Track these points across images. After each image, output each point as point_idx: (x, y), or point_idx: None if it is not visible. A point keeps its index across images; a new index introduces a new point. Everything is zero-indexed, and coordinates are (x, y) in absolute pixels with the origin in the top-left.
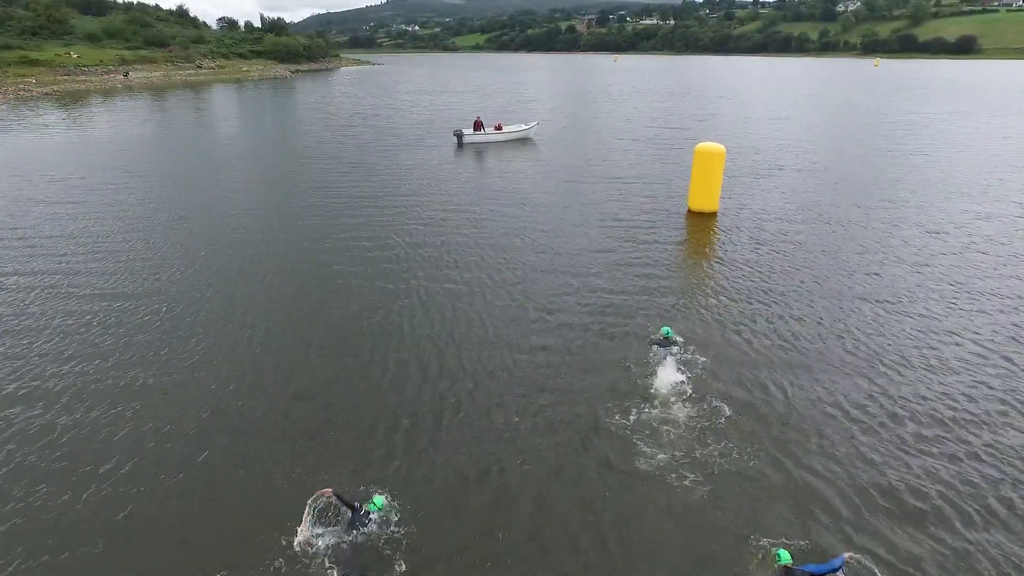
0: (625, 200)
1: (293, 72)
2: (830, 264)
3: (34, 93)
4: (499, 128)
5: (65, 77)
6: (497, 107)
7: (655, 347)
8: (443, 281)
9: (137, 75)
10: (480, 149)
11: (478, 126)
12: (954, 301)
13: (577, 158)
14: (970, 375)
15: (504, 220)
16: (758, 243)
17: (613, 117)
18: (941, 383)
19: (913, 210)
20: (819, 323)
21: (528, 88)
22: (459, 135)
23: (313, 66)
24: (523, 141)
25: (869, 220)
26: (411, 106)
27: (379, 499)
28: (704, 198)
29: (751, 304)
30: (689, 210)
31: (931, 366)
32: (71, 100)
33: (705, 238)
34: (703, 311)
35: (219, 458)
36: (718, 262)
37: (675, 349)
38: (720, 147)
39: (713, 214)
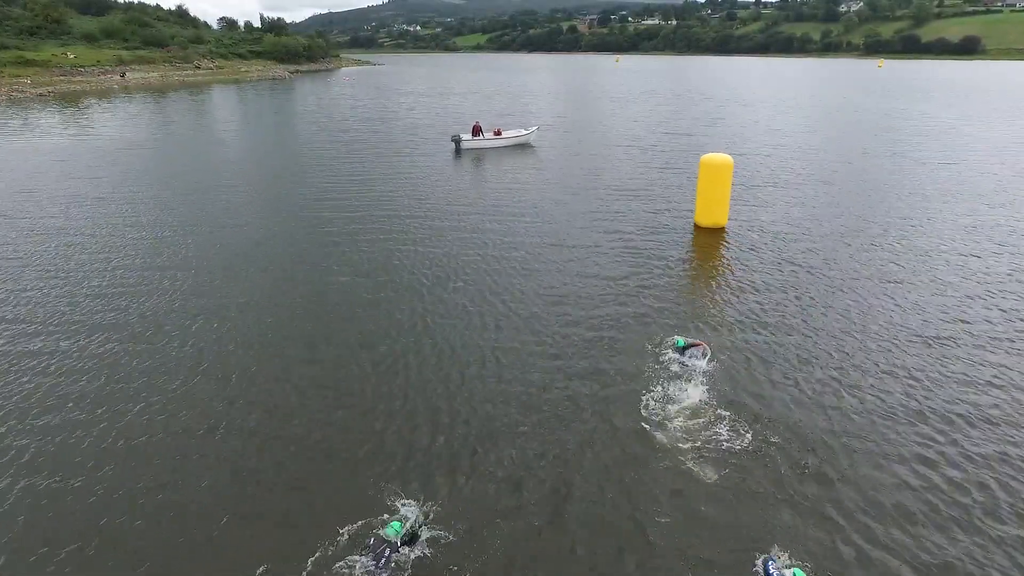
0: (629, 214)
1: (292, 73)
2: (849, 285)
3: (28, 94)
4: (498, 133)
5: (61, 78)
6: (496, 110)
7: (672, 357)
8: (445, 309)
9: (134, 76)
10: (478, 155)
11: (476, 131)
12: (1003, 338)
13: (578, 167)
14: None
15: (503, 235)
16: (771, 261)
17: (615, 122)
18: (988, 425)
19: (943, 226)
20: (838, 340)
21: (529, 90)
22: (457, 140)
23: (313, 66)
24: (523, 147)
25: (887, 233)
26: (408, 109)
27: (396, 524)
28: (711, 212)
29: (767, 327)
30: (696, 224)
31: (984, 416)
32: (65, 101)
33: (713, 256)
34: (716, 332)
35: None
36: (728, 283)
37: (695, 358)
38: (727, 158)
39: (721, 229)
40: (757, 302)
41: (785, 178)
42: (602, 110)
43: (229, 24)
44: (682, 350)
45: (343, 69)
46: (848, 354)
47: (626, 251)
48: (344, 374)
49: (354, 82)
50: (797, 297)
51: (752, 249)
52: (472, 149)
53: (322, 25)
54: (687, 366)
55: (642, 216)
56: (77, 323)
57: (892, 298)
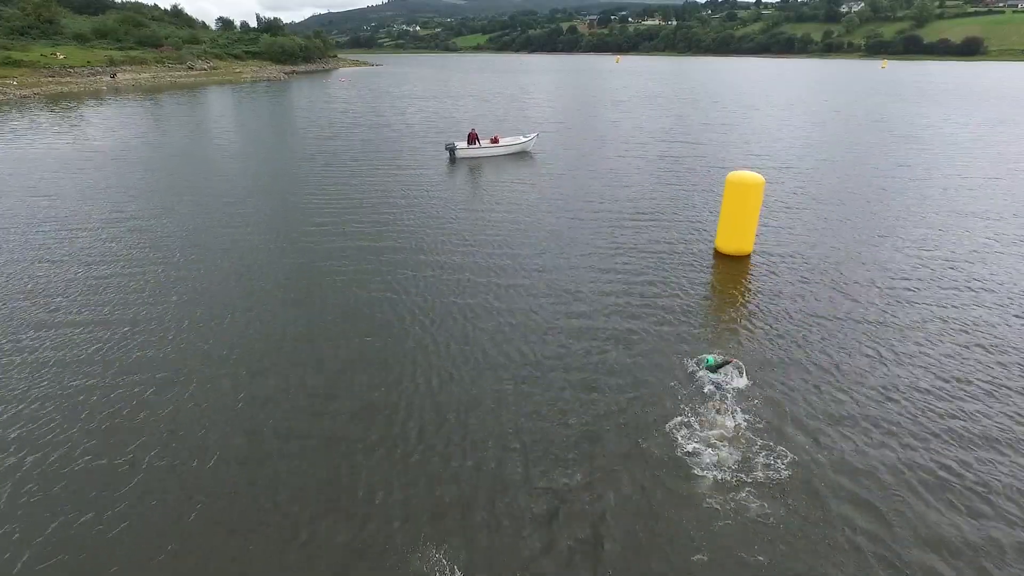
0: (639, 236)
1: (288, 74)
2: (901, 337)
3: (13, 96)
4: (495, 141)
5: (49, 79)
6: (494, 115)
7: (703, 376)
8: (444, 337)
9: (125, 77)
10: (475, 165)
11: (472, 139)
12: None
13: (581, 179)
14: None
15: (503, 258)
16: (804, 296)
17: (620, 128)
18: None
19: (1001, 255)
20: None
21: (528, 92)
22: (451, 149)
23: (309, 67)
24: (522, 155)
25: (943, 272)
26: (402, 113)
27: None
28: (736, 238)
29: (804, 350)
30: (717, 251)
31: None
32: (50, 103)
33: (739, 290)
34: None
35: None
36: (757, 321)
37: (728, 376)
38: (758, 178)
39: (746, 258)
40: (792, 334)
41: (816, 195)
42: (605, 115)
43: (225, 24)
44: (713, 368)
45: (341, 70)
46: (899, 394)
47: (637, 280)
48: (349, 428)
49: (350, 84)
50: (839, 332)
51: (782, 281)
52: (468, 158)
53: (322, 25)
54: (720, 387)
55: (654, 238)
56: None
57: (955, 344)
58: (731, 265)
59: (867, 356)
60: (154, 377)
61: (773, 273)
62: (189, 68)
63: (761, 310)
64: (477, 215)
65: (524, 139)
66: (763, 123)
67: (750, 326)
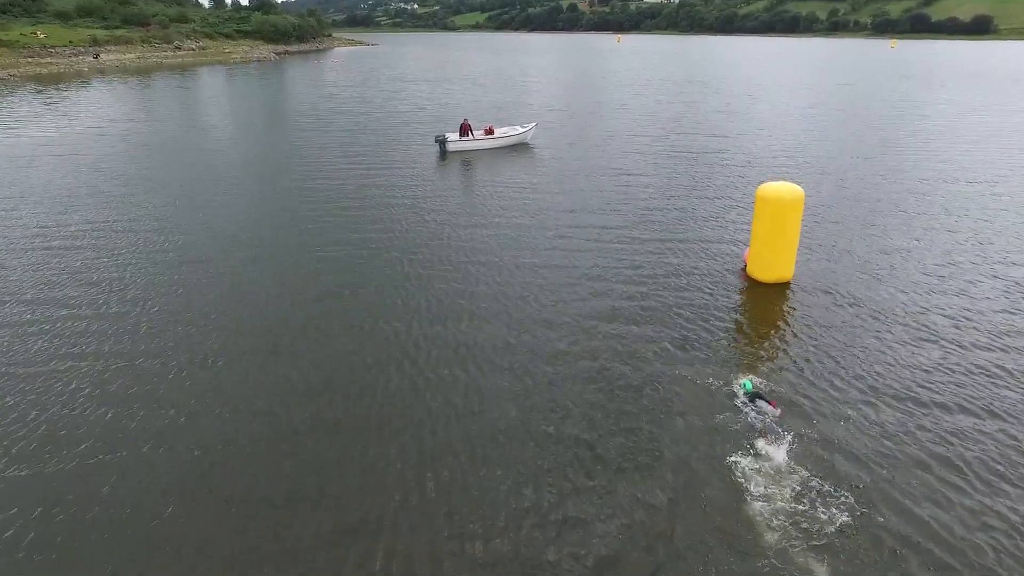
0: (655, 257)
1: (279, 54)
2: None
3: None
4: (490, 132)
5: (28, 60)
6: (490, 102)
7: (742, 402)
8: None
9: (109, 57)
10: (467, 159)
11: (465, 130)
12: None
13: (586, 182)
14: None
15: (498, 273)
16: (855, 331)
17: (626, 117)
18: None
19: None
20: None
21: (527, 73)
22: (442, 142)
23: (303, 47)
24: (518, 148)
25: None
26: (391, 99)
27: None
28: (772, 262)
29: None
30: (747, 275)
31: None
32: (29, 85)
33: (776, 331)
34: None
35: None
36: (806, 379)
37: (765, 408)
38: (795, 190)
39: (784, 285)
40: (845, 366)
41: (856, 200)
42: (609, 101)
43: (217, 2)
44: (752, 397)
45: (335, 50)
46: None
47: (652, 305)
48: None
49: (342, 65)
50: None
51: (829, 317)
52: (460, 152)
53: (318, 3)
54: (762, 415)
55: (672, 254)
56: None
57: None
58: (767, 295)
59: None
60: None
61: (819, 306)
62: (176, 48)
63: (808, 345)
64: (470, 230)
65: (521, 130)
66: (781, 111)
67: (800, 367)
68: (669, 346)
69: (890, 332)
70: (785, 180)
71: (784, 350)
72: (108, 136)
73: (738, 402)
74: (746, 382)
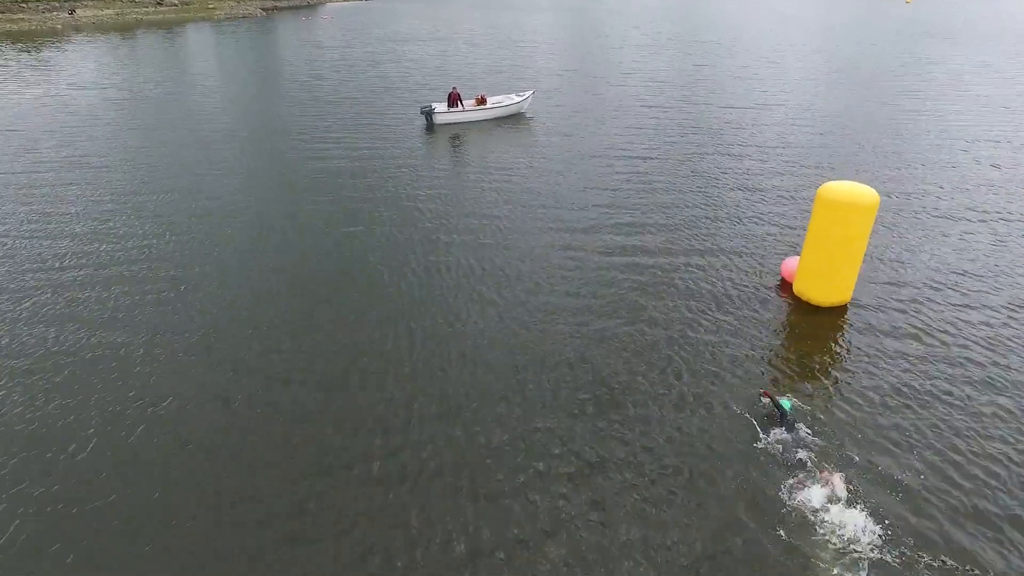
0: (669, 259)
1: (267, 10)
2: None
3: None
4: (482, 101)
5: None
6: (484, 65)
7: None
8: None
9: (85, 13)
10: (456, 132)
11: (454, 100)
12: None
13: (587, 164)
14: None
15: (489, 273)
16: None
17: (634, 82)
18: None
19: None
20: None
21: (526, 33)
22: (428, 113)
23: (294, 1)
24: (514, 118)
25: None
26: (379, 62)
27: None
28: (826, 280)
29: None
30: (795, 295)
31: None
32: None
33: (829, 373)
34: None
35: None
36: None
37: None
38: (868, 193)
39: (842, 309)
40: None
41: (940, 211)
42: (614, 64)
43: None
44: (791, 422)
45: (328, 5)
46: None
47: (675, 336)
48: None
49: (332, 23)
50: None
51: (897, 354)
52: (448, 124)
53: None
54: (799, 439)
55: (692, 257)
56: None
57: None
58: (816, 321)
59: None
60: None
61: (882, 338)
62: (158, 3)
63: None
64: (456, 202)
65: (517, 99)
66: (810, 79)
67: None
68: (691, 398)
69: (965, 374)
70: (822, 163)
71: (843, 399)
72: (73, 105)
73: (777, 430)
74: (785, 401)
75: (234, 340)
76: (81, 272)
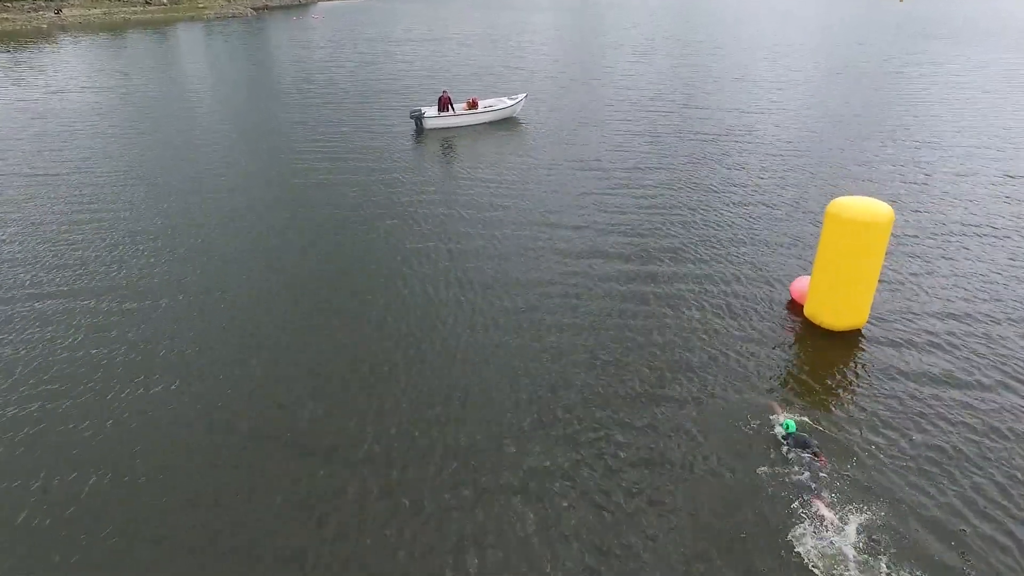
0: (667, 286)
1: (258, 9)
2: None
3: None
4: (473, 105)
5: None
6: (478, 66)
7: (785, 447)
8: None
9: (72, 12)
10: (446, 137)
11: (444, 104)
12: None
13: (582, 173)
14: None
15: (480, 293)
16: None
17: (630, 85)
18: None
19: None
20: None
21: (520, 33)
22: (418, 117)
23: (284, 1)
24: (506, 123)
25: None
26: (368, 63)
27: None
28: (839, 302)
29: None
30: (806, 317)
31: None
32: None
33: (842, 401)
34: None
35: None
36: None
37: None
38: (882, 210)
39: (855, 333)
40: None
41: (943, 209)
42: (612, 67)
43: None
44: (801, 442)
45: (319, 5)
46: None
47: (676, 359)
48: None
49: (323, 23)
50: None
51: (915, 386)
52: (438, 129)
53: None
54: (813, 472)
55: (692, 274)
56: None
57: None
58: (827, 346)
59: None
60: None
61: (897, 365)
62: (146, 3)
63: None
64: (448, 210)
65: (509, 103)
66: (810, 79)
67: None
68: (698, 436)
69: (987, 411)
70: (831, 174)
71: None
72: (59, 107)
73: (787, 450)
74: (789, 422)
75: (232, 342)
76: (77, 273)
